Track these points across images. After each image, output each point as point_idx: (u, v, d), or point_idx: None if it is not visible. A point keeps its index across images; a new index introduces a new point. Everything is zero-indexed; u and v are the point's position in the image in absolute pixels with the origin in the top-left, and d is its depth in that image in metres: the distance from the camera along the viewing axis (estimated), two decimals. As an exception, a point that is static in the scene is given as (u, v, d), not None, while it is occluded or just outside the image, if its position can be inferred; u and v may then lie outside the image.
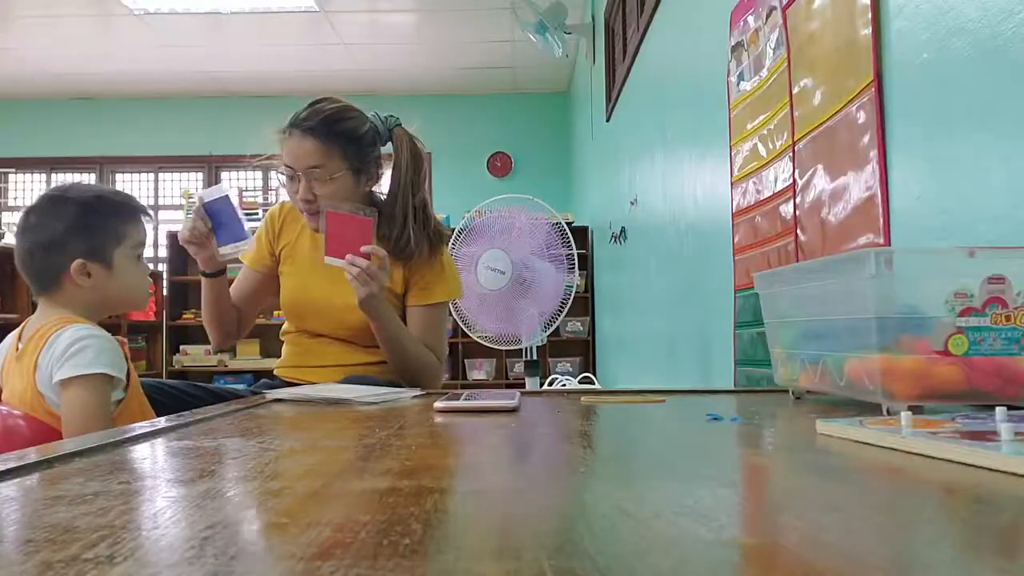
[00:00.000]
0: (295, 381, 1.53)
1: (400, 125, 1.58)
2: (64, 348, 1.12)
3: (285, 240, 1.63)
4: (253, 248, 1.58)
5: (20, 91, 6.38)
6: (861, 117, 1.13)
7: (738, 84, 1.72)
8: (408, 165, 1.54)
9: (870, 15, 1.10)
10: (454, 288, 1.62)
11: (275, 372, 1.64)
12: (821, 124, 1.28)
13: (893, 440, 0.55)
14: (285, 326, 1.65)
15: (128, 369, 1.19)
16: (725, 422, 0.74)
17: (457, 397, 0.95)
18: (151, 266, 6.26)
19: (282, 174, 1.50)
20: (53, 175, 6.75)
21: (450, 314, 3.10)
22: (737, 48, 1.73)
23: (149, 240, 6.82)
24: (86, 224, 1.20)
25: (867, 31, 1.11)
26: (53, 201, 1.22)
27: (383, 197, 1.60)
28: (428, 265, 1.56)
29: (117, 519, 0.38)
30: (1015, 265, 0.68)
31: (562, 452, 0.61)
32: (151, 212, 1.30)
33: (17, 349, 1.19)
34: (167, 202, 6.77)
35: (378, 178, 1.59)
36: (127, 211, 1.25)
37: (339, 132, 1.46)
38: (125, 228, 1.24)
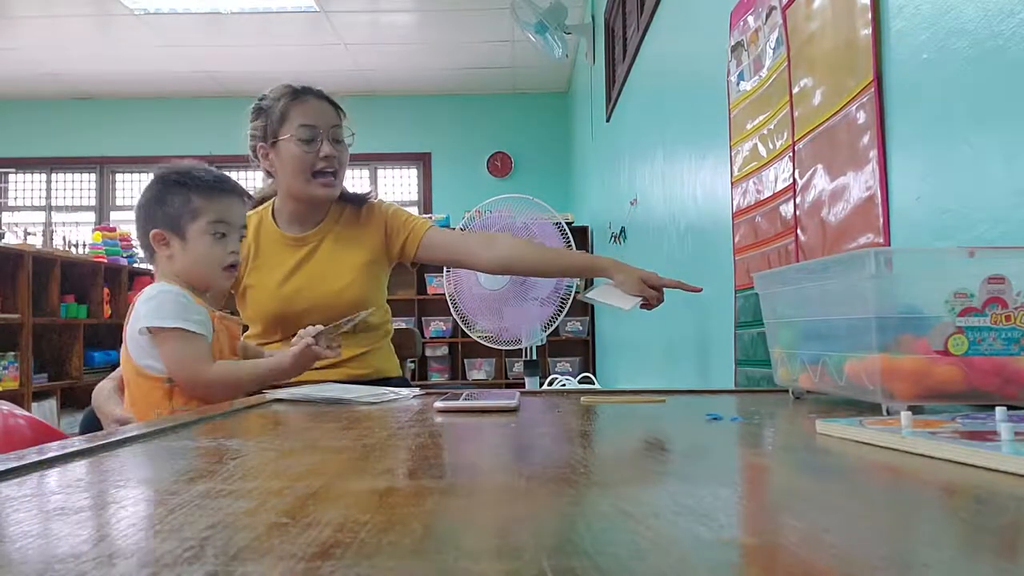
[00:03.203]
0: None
1: None
2: (140, 303, 1.24)
3: (243, 255, 1.60)
4: None
5: (20, 91, 6.38)
6: (861, 117, 1.13)
7: (738, 84, 1.72)
8: None
9: (870, 15, 1.10)
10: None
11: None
12: (821, 124, 1.28)
13: (893, 440, 0.55)
14: (264, 338, 1.60)
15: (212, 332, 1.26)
16: (725, 422, 0.74)
17: (457, 397, 0.95)
18: (150, 266, 6.25)
19: (298, 138, 1.51)
20: (53, 175, 6.76)
21: (450, 313, 3.11)
22: (737, 48, 1.73)
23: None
24: (163, 197, 1.28)
25: (867, 31, 1.11)
26: (153, 175, 1.32)
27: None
28: (392, 218, 1.66)
29: (117, 519, 0.38)
30: (1015, 265, 0.68)
31: (562, 452, 0.61)
32: (247, 194, 1.36)
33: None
34: (167, 202, 6.77)
35: None
36: (206, 189, 1.29)
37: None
38: (201, 205, 1.28)
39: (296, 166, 1.52)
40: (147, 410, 1.23)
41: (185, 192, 1.27)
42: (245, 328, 1.64)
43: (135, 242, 5.87)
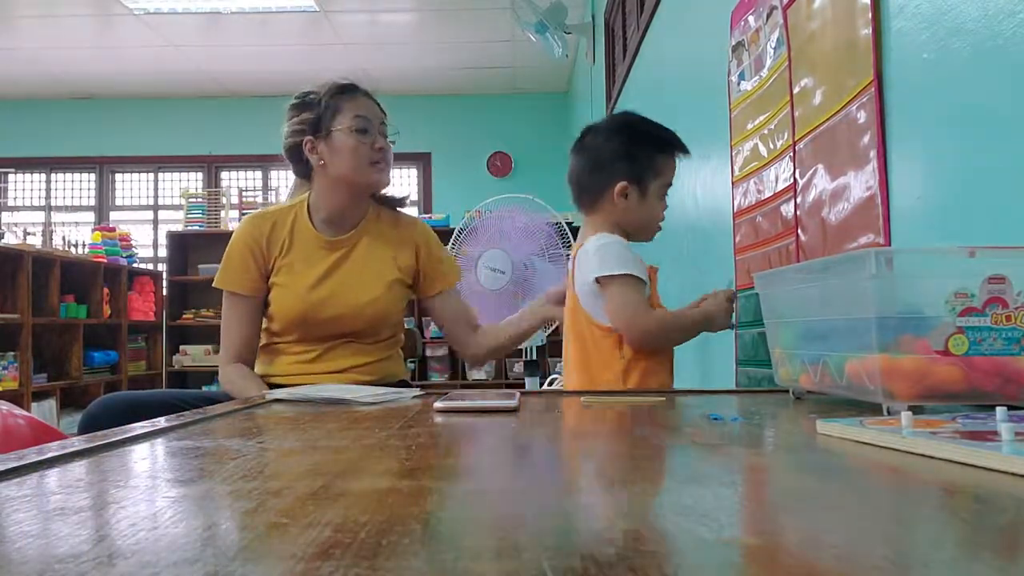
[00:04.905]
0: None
1: None
2: (591, 254, 1.28)
3: (275, 254, 1.58)
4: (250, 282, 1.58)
5: (20, 91, 6.38)
6: (861, 117, 1.13)
7: (739, 84, 1.72)
8: None
9: (870, 15, 1.10)
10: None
11: (274, 380, 1.58)
12: (822, 124, 1.28)
13: (893, 440, 0.55)
14: (280, 337, 1.59)
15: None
16: (726, 422, 0.74)
17: (457, 397, 0.95)
18: (150, 266, 6.27)
19: (354, 128, 1.54)
20: (53, 175, 6.76)
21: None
22: (738, 48, 1.73)
23: (150, 240, 6.79)
24: (633, 152, 1.32)
25: (867, 31, 1.11)
26: (614, 126, 1.36)
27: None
28: (427, 247, 1.68)
29: (117, 519, 0.38)
30: (1015, 265, 0.68)
31: (562, 452, 0.61)
32: (682, 148, 1.36)
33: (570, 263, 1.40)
34: (167, 202, 6.77)
35: None
36: (668, 150, 1.34)
37: None
38: (663, 165, 1.34)
39: (353, 155, 1.53)
40: (600, 362, 1.28)
41: (652, 149, 1.32)
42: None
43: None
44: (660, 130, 1.36)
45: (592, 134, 1.37)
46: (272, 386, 1.57)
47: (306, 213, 1.59)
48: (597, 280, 1.26)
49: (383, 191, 1.64)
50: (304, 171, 1.59)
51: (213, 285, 1.60)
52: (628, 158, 1.32)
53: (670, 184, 1.36)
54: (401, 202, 1.70)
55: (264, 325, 1.61)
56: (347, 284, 1.55)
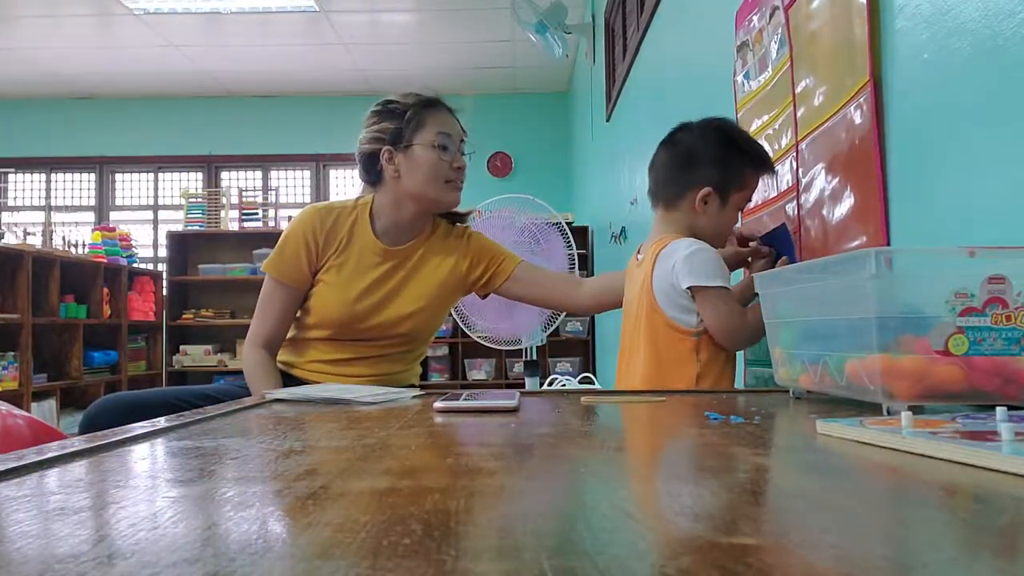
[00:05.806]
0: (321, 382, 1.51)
1: None
2: (680, 260, 1.23)
3: (329, 251, 1.56)
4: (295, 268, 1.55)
5: (20, 91, 6.38)
6: (859, 117, 1.13)
7: (744, 83, 1.72)
8: None
9: (866, 15, 1.10)
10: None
11: (295, 373, 1.58)
12: (822, 124, 1.28)
13: (893, 440, 0.55)
14: (312, 331, 1.59)
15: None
16: (725, 422, 0.74)
17: (457, 397, 0.94)
18: (150, 266, 6.27)
19: (437, 144, 1.51)
20: (53, 175, 6.76)
21: (449, 314, 3.11)
22: (743, 48, 1.73)
23: (150, 240, 6.80)
24: (725, 159, 1.28)
25: (863, 31, 1.11)
26: (710, 129, 1.31)
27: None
28: (479, 250, 1.67)
29: (116, 519, 0.38)
30: (1015, 265, 0.68)
31: (562, 452, 0.61)
32: (772, 168, 1.33)
33: (636, 259, 1.38)
34: (167, 202, 6.77)
35: None
36: (758, 165, 1.32)
37: None
38: (749, 179, 1.31)
39: (431, 172, 1.51)
40: (675, 364, 1.25)
41: (743, 161, 1.29)
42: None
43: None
44: (753, 143, 1.34)
45: (685, 131, 1.34)
46: (289, 377, 1.58)
47: (368, 216, 1.58)
48: (689, 288, 1.22)
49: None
50: (372, 179, 1.58)
51: (261, 268, 1.61)
52: (719, 164, 1.28)
53: (750, 199, 1.34)
54: (463, 217, 1.69)
55: (298, 314, 1.61)
56: (392, 298, 1.55)
